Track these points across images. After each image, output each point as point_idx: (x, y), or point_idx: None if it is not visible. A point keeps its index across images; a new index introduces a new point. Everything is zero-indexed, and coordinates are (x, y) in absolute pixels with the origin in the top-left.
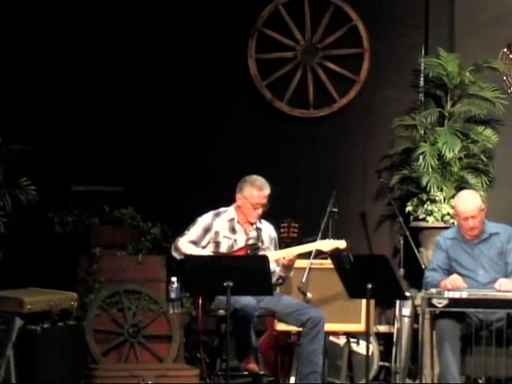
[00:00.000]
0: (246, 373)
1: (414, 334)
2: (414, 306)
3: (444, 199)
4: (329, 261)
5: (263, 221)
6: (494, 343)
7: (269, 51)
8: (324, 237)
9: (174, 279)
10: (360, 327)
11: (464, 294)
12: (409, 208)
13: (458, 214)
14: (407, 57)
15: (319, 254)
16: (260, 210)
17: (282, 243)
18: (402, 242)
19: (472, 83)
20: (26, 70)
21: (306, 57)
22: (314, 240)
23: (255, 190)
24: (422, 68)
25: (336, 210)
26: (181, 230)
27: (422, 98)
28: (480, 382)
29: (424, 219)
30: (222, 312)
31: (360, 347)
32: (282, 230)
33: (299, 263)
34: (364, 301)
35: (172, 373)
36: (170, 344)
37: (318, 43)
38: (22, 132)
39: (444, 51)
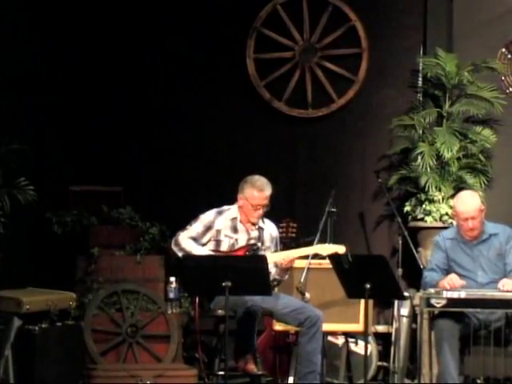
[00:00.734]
0: (245, 373)
1: (413, 334)
2: (413, 306)
3: (442, 199)
4: (327, 261)
5: (266, 220)
6: (492, 343)
7: (267, 51)
8: (323, 237)
9: (172, 279)
10: (358, 327)
11: (462, 294)
12: (407, 208)
13: (458, 214)
14: (405, 57)
15: (318, 255)
16: (261, 211)
17: (281, 243)
18: (400, 241)
19: (470, 83)
20: (24, 70)
21: (304, 57)
22: (313, 240)
23: (256, 191)
24: (421, 68)
25: (334, 209)
26: (179, 230)
27: (421, 98)
28: (478, 381)
29: (422, 219)
30: (221, 312)
31: (358, 347)
32: (281, 230)
33: (298, 263)
34: (362, 301)
35: (170, 373)
36: (169, 344)
37: (316, 43)
38: (21, 132)
39: (442, 51)
